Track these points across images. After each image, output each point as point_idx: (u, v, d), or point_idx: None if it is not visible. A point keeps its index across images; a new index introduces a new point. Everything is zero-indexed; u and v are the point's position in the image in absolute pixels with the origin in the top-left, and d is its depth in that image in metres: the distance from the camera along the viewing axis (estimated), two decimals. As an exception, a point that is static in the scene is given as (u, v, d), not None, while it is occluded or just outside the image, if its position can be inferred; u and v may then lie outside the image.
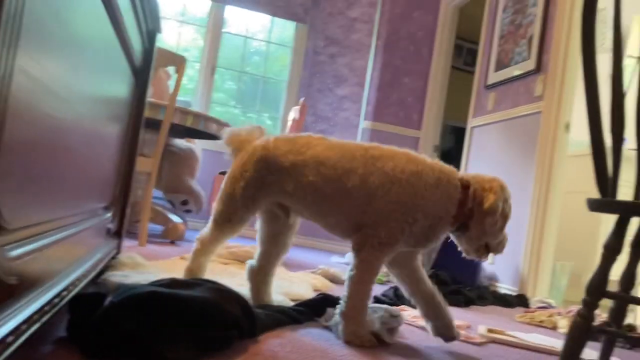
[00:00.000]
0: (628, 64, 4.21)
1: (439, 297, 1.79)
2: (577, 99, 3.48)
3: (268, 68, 5.88)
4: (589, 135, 1.49)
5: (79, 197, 1.24)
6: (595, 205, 1.42)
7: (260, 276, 1.87)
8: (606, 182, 1.46)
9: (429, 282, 1.80)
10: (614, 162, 1.43)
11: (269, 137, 1.83)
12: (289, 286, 2.27)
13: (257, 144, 1.80)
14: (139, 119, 2.10)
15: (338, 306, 1.64)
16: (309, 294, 2.19)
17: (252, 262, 1.91)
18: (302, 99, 4.07)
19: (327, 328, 1.70)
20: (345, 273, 3.01)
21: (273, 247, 1.89)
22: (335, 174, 1.63)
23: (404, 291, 1.81)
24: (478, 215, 1.65)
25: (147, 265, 2.16)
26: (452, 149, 6.90)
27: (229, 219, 1.80)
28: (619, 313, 1.74)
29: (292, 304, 1.90)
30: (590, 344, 2.19)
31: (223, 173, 4.09)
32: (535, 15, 3.84)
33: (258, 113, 5.85)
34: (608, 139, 1.45)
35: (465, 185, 1.68)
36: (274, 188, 1.72)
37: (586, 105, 1.49)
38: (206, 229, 1.86)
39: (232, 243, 3.14)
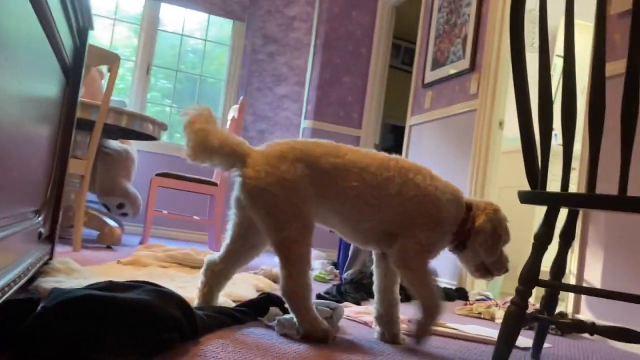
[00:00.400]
0: (557, 63, 4.40)
1: (397, 310, 1.85)
2: (510, 97, 3.60)
3: (205, 67, 5.79)
4: (520, 132, 1.54)
5: (5, 201, 1.17)
6: (526, 198, 1.48)
7: (217, 277, 1.77)
8: (536, 175, 1.52)
9: (397, 294, 1.86)
10: (543, 157, 1.49)
11: (279, 140, 1.73)
12: (230, 287, 2.24)
13: (276, 146, 1.67)
14: (71, 119, 2.02)
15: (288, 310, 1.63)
16: (251, 294, 2.17)
17: (212, 258, 1.79)
18: (241, 98, 4.03)
19: (270, 327, 1.69)
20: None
21: (242, 248, 1.79)
22: (375, 180, 1.66)
23: (376, 288, 1.85)
24: (472, 235, 1.74)
25: (82, 271, 2.08)
26: (391, 147, 7.01)
27: None
28: (550, 301, 1.82)
29: (233, 305, 1.87)
30: (526, 333, 2.28)
31: (161, 175, 3.99)
32: (469, 15, 3.95)
33: (197, 113, 5.75)
34: (539, 135, 1.52)
35: (468, 206, 1.77)
36: (314, 190, 1.64)
37: (516, 103, 1.55)
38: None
39: (170, 246, 3.07)
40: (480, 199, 1.86)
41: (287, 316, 1.68)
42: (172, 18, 5.67)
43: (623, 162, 1.35)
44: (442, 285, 3.67)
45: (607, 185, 2.50)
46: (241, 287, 2.32)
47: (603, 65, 1.40)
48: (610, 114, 2.46)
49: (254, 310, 1.79)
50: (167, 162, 5.30)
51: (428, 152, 4.29)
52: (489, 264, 1.81)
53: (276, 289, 2.54)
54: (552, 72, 4.15)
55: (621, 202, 1.27)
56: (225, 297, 1.97)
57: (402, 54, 6.93)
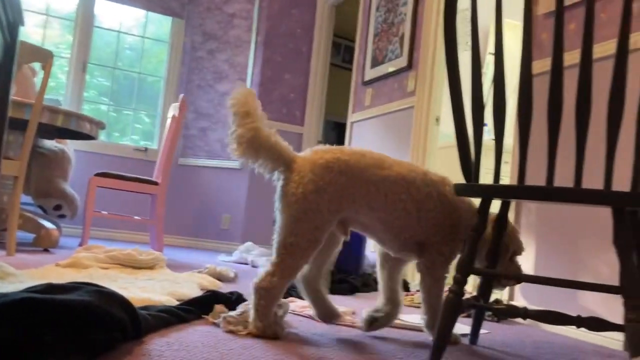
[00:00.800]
0: (490, 60, 4.57)
1: (400, 309, 1.96)
2: (447, 94, 3.72)
3: (144, 64, 5.68)
4: (454, 128, 1.61)
5: None
6: (461, 190, 1.54)
7: (317, 288, 1.87)
8: (470, 168, 1.59)
9: (401, 294, 1.98)
10: (476, 151, 1.56)
11: (323, 147, 1.79)
12: (173, 287, 2.22)
13: (322, 154, 1.72)
14: (2, 119, 1.95)
15: (245, 303, 1.64)
16: (195, 293, 2.16)
17: (304, 278, 1.85)
18: (181, 96, 3.98)
19: (216, 325, 1.69)
20: (231, 270, 3.02)
21: (322, 258, 1.85)
22: (419, 195, 1.75)
23: (381, 289, 1.96)
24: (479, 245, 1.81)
25: (19, 275, 2.01)
26: (334, 143, 7.08)
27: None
28: (486, 288, 1.90)
29: (177, 304, 1.86)
30: (464, 320, 2.37)
31: (100, 174, 3.90)
32: (405, 15, 4.05)
33: (134, 110, 5.64)
34: (472, 130, 1.59)
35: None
36: (359, 202, 1.70)
37: (451, 100, 1.61)
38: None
39: (111, 247, 3.01)
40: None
41: (232, 313, 1.69)
42: (108, 14, 5.52)
43: (550, 155, 1.43)
44: (385, 278, 3.76)
45: (537, 177, 2.63)
46: (185, 286, 2.30)
47: (530, 63, 1.48)
48: (539, 110, 2.59)
49: (199, 308, 1.79)
50: (106, 161, 5.17)
51: (369, 148, 4.36)
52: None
53: (221, 287, 2.54)
54: (485, 70, 4.32)
55: (547, 193, 1.35)
56: (169, 297, 1.95)
57: (343, 52, 7.01)
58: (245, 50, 5.41)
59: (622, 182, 2.18)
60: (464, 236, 1.77)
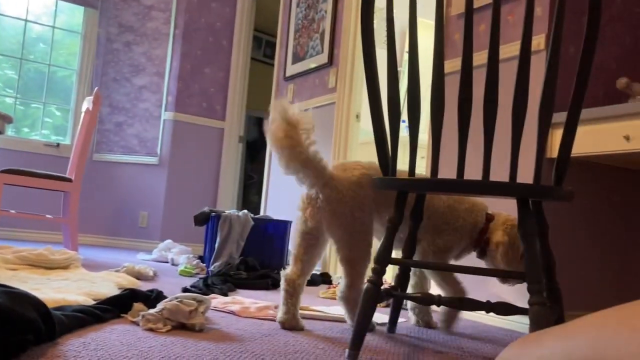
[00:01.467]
0: (407, 59, 4.71)
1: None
2: (366, 91, 3.80)
3: (55, 56, 5.41)
4: (372, 124, 1.66)
5: None
6: (379, 184, 1.60)
7: (298, 290, 1.94)
8: (387, 163, 1.64)
9: (427, 288, 2.15)
10: (393, 146, 1.62)
11: (347, 163, 1.97)
12: (90, 286, 2.15)
13: (352, 172, 1.90)
14: None
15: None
16: (113, 292, 2.10)
17: (290, 274, 1.96)
18: (95, 89, 3.83)
19: (135, 323, 1.66)
20: (150, 269, 2.95)
21: (315, 258, 2.02)
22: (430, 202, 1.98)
23: (410, 285, 2.12)
24: (490, 246, 1.98)
25: None
26: (257, 139, 7.06)
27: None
28: (403, 278, 1.98)
29: (94, 303, 1.80)
30: (384, 310, 2.44)
31: (7, 171, 3.68)
32: (326, 11, 4.10)
33: (44, 104, 5.36)
34: (389, 126, 1.64)
35: (489, 218, 2.02)
36: (382, 211, 1.91)
37: (368, 96, 1.66)
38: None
39: (21, 247, 2.86)
40: (501, 212, 2.06)
41: (152, 310, 1.66)
42: (13, 1, 5.21)
43: (460, 149, 1.51)
44: (307, 272, 3.80)
45: (452, 171, 2.75)
46: (102, 285, 2.23)
47: (442, 62, 1.55)
48: (452, 107, 2.70)
49: (117, 307, 1.75)
50: (14, 158, 4.89)
51: (291, 143, 4.39)
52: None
53: (140, 286, 2.48)
54: (402, 68, 4.45)
55: (457, 185, 1.43)
56: (85, 296, 1.89)
57: (264, 46, 6.99)
58: (163, 43, 5.27)
59: (527, 175, 2.32)
60: (464, 234, 2.01)
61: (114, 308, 1.73)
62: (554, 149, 2.28)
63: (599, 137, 2.11)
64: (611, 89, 2.53)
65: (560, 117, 2.20)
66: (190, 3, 5.26)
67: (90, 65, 5.37)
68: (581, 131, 2.16)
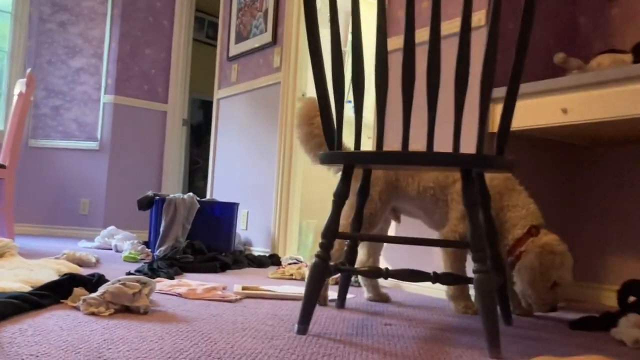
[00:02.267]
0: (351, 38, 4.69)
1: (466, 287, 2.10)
2: (312, 70, 3.78)
3: (-16, 37, 5.11)
4: (317, 101, 1.64)
5: None
6: (325, 159, 1.59)
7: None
8: (333, 137, 1.63)
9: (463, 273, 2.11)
10: (338, 121, 1.61)
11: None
12: (27, 274, 2.06)
13: None
14: None
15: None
16: (52, 279, 2.01)
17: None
18: (28, 70, 3.65)
19: (76, 308, 1.60)
20: (92, 255, 2.86)
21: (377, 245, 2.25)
22: (446, 181, 2.11)
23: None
24: (518, 265, 1.93)
25: None
26: (202, 123, 6.92)
27: None
28: (351, 253, 1.98)
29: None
30: (332, 287, 2.46)
31: None
32: (269, -10, 4.03)
33: (-25, 89, 5.08)
34: (333, 103, 1.63)
35: (532, 232, 1.94)
36: (402, 191, 2.15)
37: (313, 74, 1.64)
38: None
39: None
40: (549, 233, 1.97)
41: (93, 295, 1.61)
42: None
43: (404, 123, 1.51)
44: (256, 253, 3.78)
45: (397, 147, 2.77)
46: (40, 272, 2.14)
47: (385, 40, 1.54)
48: (396, 83, 2.71)
49: (57, 292, 1.68)
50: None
51: (238, 125, 4.33)
52: (532, 296, 1.92)
53: (82, 272, 2.40)
54: (346, 48, 4.45)
55: (402, 157, 1.43)
56: (22, 283, 1.81)
57: (206, 27, 6.83)
58: (100, 23, 5.07)
59: (471, 149, 2.37)
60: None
61: (52, 294, 1.66)
62: (495, 124, 2.33)
63: (538, 110, 2.17)
64: (549, 64, 2.60)
65: (500, 92, 2.25)
66: (128, -18, 5.07)
67: (22, 47, 5.11)
68: (521, 105, 2.22)
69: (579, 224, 2.70)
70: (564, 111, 2.07)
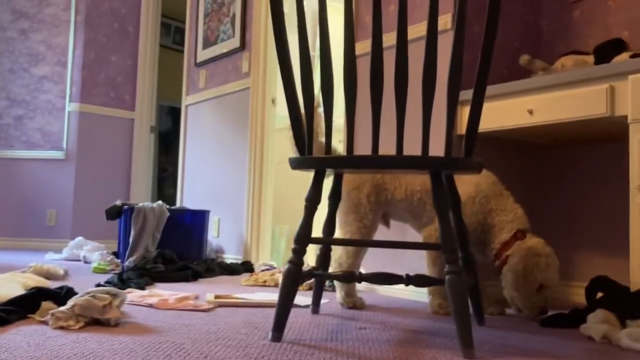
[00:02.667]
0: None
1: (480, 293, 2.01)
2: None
3: (-58, 45, 4.97)
4: (287, 104, 1.64)
5: None
6: (295, 163, 1.58)
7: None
8: (303, 142, 1.63)
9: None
10: (308, 126, 1.61)
11: None
12: (-8, 289, 1.99)
13: None
14: None
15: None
16: (18, 293, 1.96)
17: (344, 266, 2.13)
18: (-10, 80, 3.57)
19: (44, 323, 1.56)
20: (61, 268, 2.80)
21: (362, 252, 2.20)
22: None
23: None
24: (505, 268, 1.95)
25: None
26: (170, 129, 6.85)
27: None
28: (324, 258, 1.98)
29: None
30: (307, 293, 2.44)
31: None
32: (235, -5, 4.01)
33: None
34: (303, 107, 1.63)
35: (518, 235, 1.97)
36: (390, 195, 2.16)
37: (282, 79, 1.63)
38: None
39: None
40: (535, 236, 2.01)
41: (62, 308, 1.57)
42: None
43: (374, 128, 1.52)
44: (229, 260, 3.75)
45: (368, 151, 2.79)
46: (6, 287, 2.08)
47: (353, 45, 1.54)
48: (365, 88, 2.73)
49: (23, 307, 1.64)
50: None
51: (206, 131, 4.30)
52: (519, 299, 1.94)
53: (50, 286, 2.34)
54: (314, 53, 4.45)
55: (372, 161, 1.44)
56: (-14, 299, 1.75)
57: (173, 33, 6.77)
58: (64, 30, 4.98)
59: (439, 151, 2.39)
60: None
61: (19, 309, 1.62)
62: (463, 126, 2.36)
63: (505, 112, 2.20)
64: (515, 66, 2.65)
65: (467, 94, 2.28)
66: (92, -12, 4.99)
67: (-18, 55, 4.99)
68: (488, 107, 2.25)
69: (546, 223, 2.75)
70: (530, 112, 2.11)
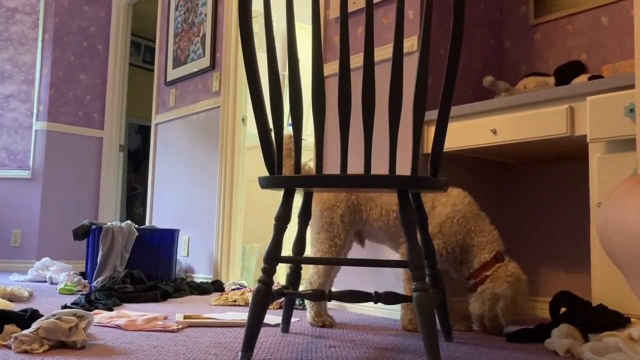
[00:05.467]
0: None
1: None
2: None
3: None
4: (256, 124, 1.66)
5: None
6: (265, 183, 1.60)
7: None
8: (273, 162, 1.65)
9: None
10: (277, 146, 1.62)
11: None
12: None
13: None
14: None
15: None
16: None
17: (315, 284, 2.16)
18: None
19: (7, 347, 1.53)
20: (25, 289, 2.74)
21: (334, 270, 2.25)
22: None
23: None
24: (486, 289, 1.99)
25: None
26: (140, 148, 6.79)
27: None
28: (294, 277, 1.99)
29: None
30: (277, 312, 2.44)
31: None
32: (206, 15, 4.04)
33: None
34: (273, 127, 1.65)
35: (498, 258, 2.02)
36: (365, 214, 2.18)
37: (251, 100, 1.65)
38: None
39: None
40: (510, 260, 2.06)
41: (26, 331, 1.54)
42: None
43: (342, 147, 1.55)
44: (199, 280, 3.71)
45: (336, 170, 2.82)
46: (-32, 310, 2.03)
47: (321, 65, 1.57)
48: (334, 108, 2.77)
49: (-15, 331, 1.60)
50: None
51: (177, 150, 4.28)
52: (499, 320, 2.00)
53: (13, 308, 2.29)
54: (284, 72, 4.49)
55: (340, 180, 1.46)
56: (-53, 323, 1.71)
57: (143, 52, 6.75)
58: (31, 48, 4.92)
59: (406, 170, 2.43)
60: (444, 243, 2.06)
61: (-19, 333, 1.58)
62: (429, 145, 2.41)
63: (469, 131, 2.26)
64: (479, 87, 2.72)
65: (433, 114, 2.33)
66: (60, 6, 4.96)
67: (-54, 73, 4.89)
68: (453, 127, 2.31)
69: (512, 239, 2.81)
70: (494, 132, 2.17)
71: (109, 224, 3.37)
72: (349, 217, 2.16)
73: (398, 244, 2.18)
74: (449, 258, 2.08)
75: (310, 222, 2.01)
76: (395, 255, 2.31)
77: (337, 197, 2.17)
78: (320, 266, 2.18)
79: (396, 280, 2.46)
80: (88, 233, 3.43)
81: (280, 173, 1.62)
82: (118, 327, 1.97)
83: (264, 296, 1.54)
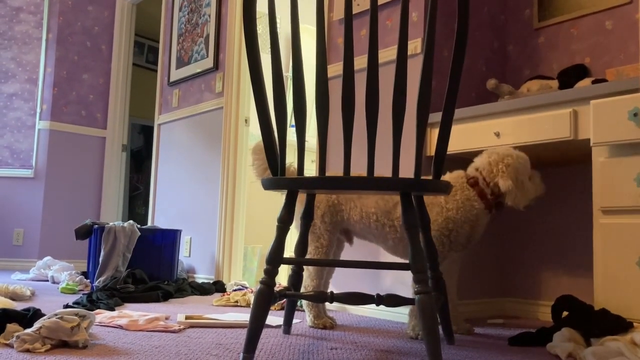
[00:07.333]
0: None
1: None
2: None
3: None
4: (260, 126, 1.66)
5: None
6: (268, 184, 1.60)
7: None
8: (276, 164, 1.65)
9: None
10: (280, 147, 1.62)
11: None
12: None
13: None
14: None
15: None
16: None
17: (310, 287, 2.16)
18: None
19: (9, 346, 1.53)
20: (27, 289, 2.74)
21: (328, 271, 2.26)
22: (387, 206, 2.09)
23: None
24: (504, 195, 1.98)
25: None
26: (142, 148, 6.80)
27: None
28: (296, 278, 1.99)
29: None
30: (279, 313, 2.44)
31: None
32: (209, 15, 4.04)
33: None
34: (276, 128, 1.65)
35: (472, 182, 2.00)
36: (347, 214, 2.16)
37: (255, 101, 1.65)
38: None
39: None
40: (485, 160, 2.03)
41: (28, 330, 1.54)
42: None
43: (345, 149, 1.54)
44: (200, 280, 3.72)
45: (341, 171, 2.81)
46: (-30, 309, 2.03)
47: (325, 67, 1.57)
48: (337, 109, 2.76)
49: (-12, 330, 1.60)
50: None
51: (179, 150, 4.28)
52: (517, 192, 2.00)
53: (15, 307, 2.29)
54: (287, 73, 4.50)
55: (343, 182, 1.46)
56: (-51, 322, 1.71)
57: (146, 52, 6.76)
58: (35, 47, 4.93)
59: (409, 172, 2.43)
60: (464, 229, 2.00)
61: (-17, 332, 1.58)
62: (432, 147, 2.40)
63: (472, 134, 2.26)
64: (482, 90, 2.72)
65: (437, 116, 2.33)
66: (64, 6, 4.97)
67: (-51, 72, 4.90)
68: (456, 129, 2.31)
69: (515, 243, 2.80)
70: (497, 135, 2.16)
71: (111, 223, 3.37)
72: (329, 217, 2.16)
73: (389, 247, 2.15)
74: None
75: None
76: (394, 257, 2.31)
77: (317, 198, 2.16)
78: (312, 268, 2.19)
79: (393, 283, 2.46)
80: (90, 233, 3.44)
81: (284, 174, 1.62)
82: (120, 327, 1.97)
83: (266, 297, 1.54)
